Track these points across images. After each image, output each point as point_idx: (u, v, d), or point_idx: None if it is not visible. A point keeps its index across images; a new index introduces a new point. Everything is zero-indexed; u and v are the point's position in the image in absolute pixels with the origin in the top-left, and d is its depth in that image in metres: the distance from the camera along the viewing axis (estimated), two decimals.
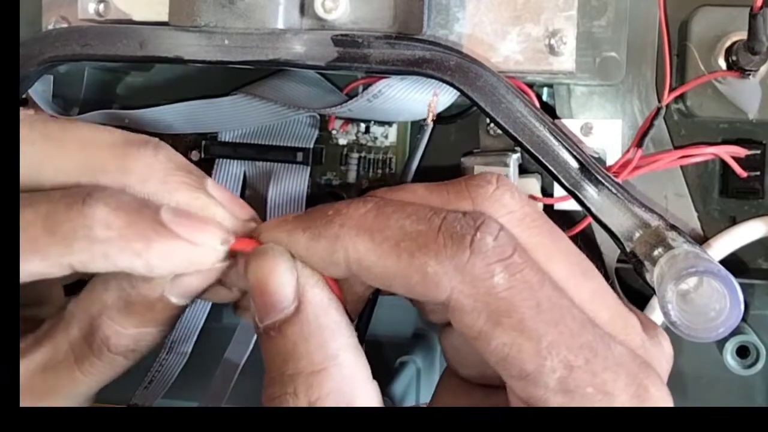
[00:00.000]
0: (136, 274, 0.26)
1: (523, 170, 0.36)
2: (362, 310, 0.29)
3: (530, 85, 0.35)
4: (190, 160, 0.40)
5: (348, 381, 0.26)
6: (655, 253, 0.29)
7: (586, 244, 0.37)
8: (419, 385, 0.41)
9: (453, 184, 0.28)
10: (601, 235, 0.36)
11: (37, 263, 0.26)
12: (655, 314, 0.35)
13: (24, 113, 0.28)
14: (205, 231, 0.27)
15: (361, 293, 0.29)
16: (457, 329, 0.26)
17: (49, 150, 0.27)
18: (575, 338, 0.25)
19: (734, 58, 0.33)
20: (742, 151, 0.35)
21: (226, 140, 0.39)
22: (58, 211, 0.26)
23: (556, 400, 0.25)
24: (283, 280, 0.27)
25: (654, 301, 0.35)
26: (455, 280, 0.25)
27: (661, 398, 0.26)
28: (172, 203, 0.27)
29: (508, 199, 0.27)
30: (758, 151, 0.35)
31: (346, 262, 0.26)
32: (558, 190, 0.36)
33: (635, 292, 0.38)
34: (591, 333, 0.26)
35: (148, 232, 0.26)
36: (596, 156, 0.36)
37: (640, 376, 0.26)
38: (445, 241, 0.25)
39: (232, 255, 0.28)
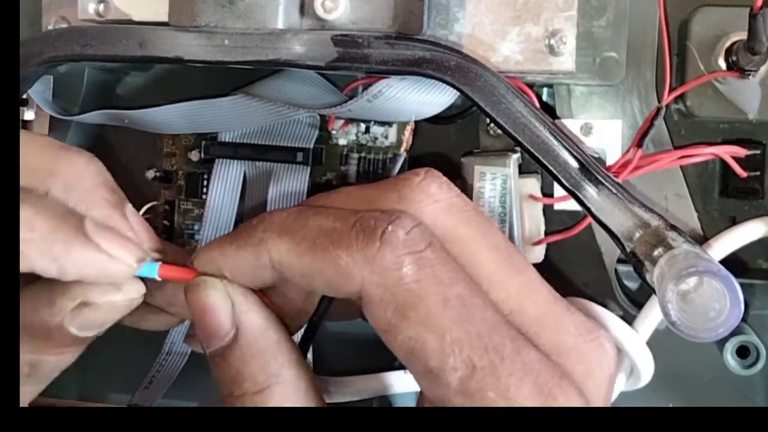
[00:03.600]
0: (47, 275, 0.26)
1: (523, 170, 0.36)
2: (309, 321, 0.30)
3: (530, 85, 0.35)
4: (190, 160, 0.40)
5: (291, 396, 0.27)
6: (655, 253, 0.29)
7: (586, 244, 0.37)
8: None
9: (384, 181, 0.28)
10: (601, 235, 0.36)
11: None
12: (654, 314, 0.35)
13: None
14: (125, 247, 0.27)
15: (300, 305, 0.29)
16: (370, 323, 0.26)
17: None
18: (481, 339, 0.25)
19: (734, 58, 0.33)
20: (742, 151, 0.35)
21: (226, 140, 0.39)
22: None
23: (457, 401, 0.25)
24: (219, 309, 0.28)
25: (652, 301, 0.35)
26: (365, 271, 0.25)
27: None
28: (88, 216, 0.27)
29: (434, 189, 0.27)
30: (758, 151, 0.35)
31: (272, 263, 0.27)
32: (558, 190, 0.36)
33: (635, 292, 0.38)
34: (501, 335, 0.25)
35: (70, 239, 0.26)
36: (596, 156, 0.36)
37: (550, 384, 0.25)
38: (357, 234, 0.26)
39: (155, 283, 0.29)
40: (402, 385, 0.37)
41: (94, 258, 0.27)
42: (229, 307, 0.28)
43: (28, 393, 0.29)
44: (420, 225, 0.26)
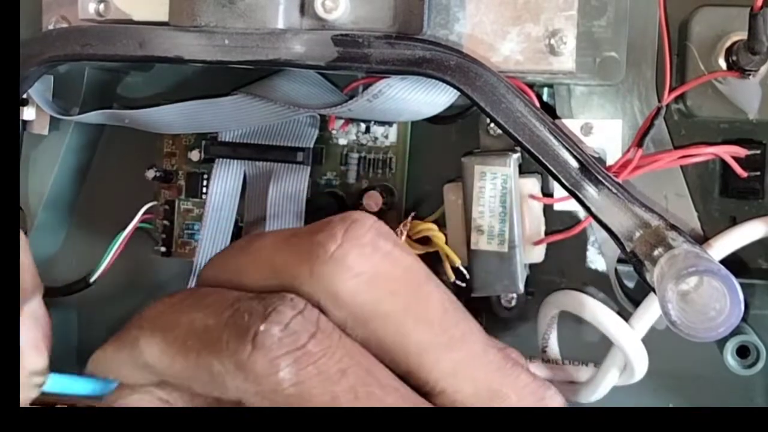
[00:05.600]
0: None
1: (523, 170, 0.36)
2: None
3: (530, 85, 0.35)
4: (190, 160, 0.40)
5: None
6: (655, 252, 0.29)
7: (587, 244, 0.37)
8: None
9: (301, 239, 0.24)
10: (601, 235, 0.36)
11: None
12: (651, 312, 0.35)
13: None
14: None
15: None
16: None
17: None
18: None
19: (734, 58, 0.33)
20: (742, 151, 0.35)
21: (226, 140, 0.39)
22: None
23: None
24: None
25: (650, 299, 0.35)
26: (238, 379, 0.23)
27: None
28: None
29: (352, 260, 0.23)
30: (758, 151, 0.35)
31: (146, 366, 0.24)
32: (558, 190, 0.36)
33: (635, 292, 0.38)
34: None
35: None
36: (596, 156, 0.36)
37: None
38: (228, 337, 0.23)
39: None
40: None
41: None
42: None
43: None
44: (304, 310, 0.23)
